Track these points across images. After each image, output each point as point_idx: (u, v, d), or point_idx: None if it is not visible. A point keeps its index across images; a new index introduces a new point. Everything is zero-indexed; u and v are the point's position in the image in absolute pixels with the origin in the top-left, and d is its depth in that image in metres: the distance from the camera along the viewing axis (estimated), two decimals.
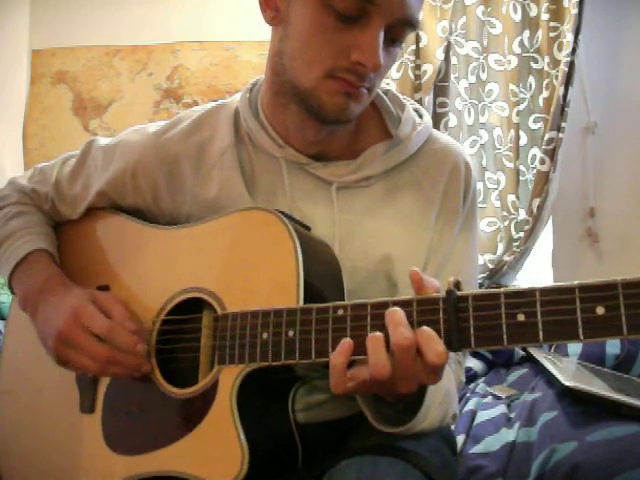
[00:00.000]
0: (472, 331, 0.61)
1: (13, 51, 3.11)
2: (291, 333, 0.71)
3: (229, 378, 0.75)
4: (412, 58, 2.55)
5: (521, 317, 0.59)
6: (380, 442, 0.75)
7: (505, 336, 0.59)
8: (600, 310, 0.55)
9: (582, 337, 0.56)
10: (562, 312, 0.57)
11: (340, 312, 0.68)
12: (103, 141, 1.01)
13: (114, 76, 3.09)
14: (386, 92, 0.96)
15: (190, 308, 0.84)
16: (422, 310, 0.64)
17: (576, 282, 0.57)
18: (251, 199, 0.88)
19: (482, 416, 1.40)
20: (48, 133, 3.09)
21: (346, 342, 0.66)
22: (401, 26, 0.77)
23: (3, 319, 2.47)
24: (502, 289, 0.61)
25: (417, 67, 2.55)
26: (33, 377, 0.95)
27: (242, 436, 0.72)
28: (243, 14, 2.89)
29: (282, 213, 0.79)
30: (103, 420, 0.86)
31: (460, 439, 1.26)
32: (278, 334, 0.72)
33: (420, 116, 0.95)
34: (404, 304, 0.65)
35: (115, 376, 0.84)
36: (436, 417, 0.78)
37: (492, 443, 1.23)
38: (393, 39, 0.79)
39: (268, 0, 0.83)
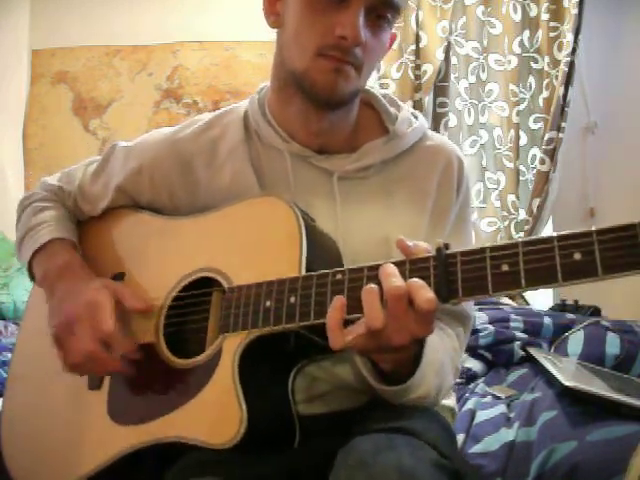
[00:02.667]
0: (460, 283, 0.66)
1: (13, 51, 3.11)
2: (292, 299, 0.75)
3: (232, 345, 0.79)
4: (412, 58, 2.55)
5: (505, 267, 0.64)
6: (391, 425, 0.78)
7: (490, 285, 0.64)
8: (577, 256, 0.60)
9: (561, 280, 0.61)
10: (543, 260, 0.62)
11: (339, 276, 0.73)
12: (124, 143, 1.09)
13: (114, 76, 3.10)
14: (384, 95, 1.03)
15: (201, 288, 0.88)
16: (414, 268, 0.69)
17: (556, 233, 0.63)
18: (260, 190, 0.94)
19: (481, 416, 1.40)
20: (48, 133, 3.09)
21: (339, 299, 0.70)
22: (383, 7, 0.87)
23: (3, 319, 2.47)
24: (488, 244, 0.66)
25: (417, 67, 2.56)
26: (47, 362, 0.97)
27: (241, 398, 0.74)
28: (243, 14, 2.89)
29: (288, 200, 0.84)
30: (109, 395, 0.90)
31: (459, 439, 1.25)
32: (280, 301, 0.76)
33: (415, 118, 1.02)
34: (398, 264, 0.70)
35: (87, 372, 0.89)
36: (431, 386, 0.83)
37: (491, 443, 1.23)
38: (378, 16, 0.88)
39: (270, 6, 0.93)
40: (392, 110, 1.00)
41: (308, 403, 0.90)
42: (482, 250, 0.66)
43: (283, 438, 0.81)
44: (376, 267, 0.71)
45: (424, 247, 0.71)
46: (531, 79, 2.54)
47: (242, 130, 0.99)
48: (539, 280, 0.62)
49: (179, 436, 0.78)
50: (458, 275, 0.66)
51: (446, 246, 0.68)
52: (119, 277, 0.98)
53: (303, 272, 0.77)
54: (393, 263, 0.70)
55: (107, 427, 0.87)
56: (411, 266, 0.69)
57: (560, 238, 0.62)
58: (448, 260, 0.67)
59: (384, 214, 0.94)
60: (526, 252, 0.63)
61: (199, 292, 0.88)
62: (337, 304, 0.70)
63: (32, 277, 1.02)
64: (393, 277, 0.68)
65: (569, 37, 2.36)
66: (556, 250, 0.61)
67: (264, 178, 0.96)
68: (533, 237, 0.64)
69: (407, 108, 1.03)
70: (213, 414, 0.77)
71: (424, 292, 0.66)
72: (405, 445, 0.71)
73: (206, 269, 0.87)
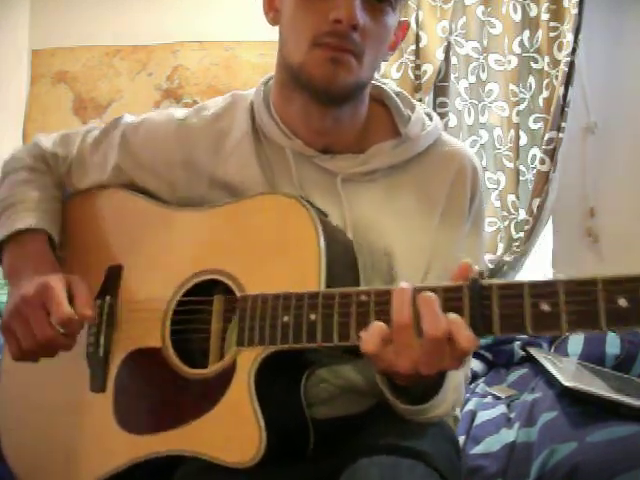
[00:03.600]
0: (496, 319, 0.63)
1: (13, 51, 3.11)
2: (313, 316, 0.71)
3: (247, 360, 0.76)
4: (412, 58, 2.55)
5: (545, 307, 0.60)
6: (397, 442, 0.76)
7: (529, 325, 0.61)
8: (622, 302, 0.57)
9: (604, 328, 0.58)
10: (585, 303, 0.59)
11: (363, 297, 0.69)
12: (129, 118, 1.03)
13: (114, 76, 3.09)
14: (397, 93, 0.97)
15: (209, 290, 0.84)
16: (447, 297, 0.65)
17: (600, 275, 0.59)
18: (269, 187, 0.90)
19: (482, 416, 1.40)
20: (48, 133, 3.09)
21: (379, 326, 0.66)
22: None
23: None
24: (526, 279, 0.63)
25: (417, 67, 2.55)
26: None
27: (260, 418, 0.72)
28: (243, 14, 2.89)
29: (302, 198, 0.81)
30: (114, 400, 0.87)
31: (460, 440, 1.26)
32: (299, 317, 0.72)
33: (430, 119, 0.96)
34: (429, 290, 0.66)
35: (40, 357, 0.85)
36: (450, 403, 0.80)
37: (492, 443, 1.23)
38: None
39: (269, 4, 0.91)
40: (405, 110, 0.94)
41: (316, 407, 0.88)
42: (520, 285, 0.62)
43: (298, 446, 0.80)
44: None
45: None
46: (531, 79, 2.54)
47: (249, 122, 0.95)
48: (581, 325, 0.59)
49: (195, 451, 0.77)
50: (494, 310, 0.63)
51: (481, 275, 0.65)
52: (116, 270, 0.93)
53: (323, 286, 0.74)
54: (424, 290, 0.66)
55: (116, 434, 0.84)
56: (444, 294, 0.66)
57: (605, 281, 0.58)
58: (484, 292, 0.63)
59: (389, 222, 0.89)
60: (568, 292, 0.60)
61: (204, 299, 0.84)
62: (375, 329, 0.66)
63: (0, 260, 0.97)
64: (436, 315, 0.64)
65: (569, 37, 2.36)
66: (599, 294, 0.58)
67: (269, 173, 0.92)
68: (575, 277, 0.61)
69: (421, 108, 0.97)
70: (230, 432, 0.75)
71: (466, 332, 0.63)
72: (412, 475, 0.70)
73: (215, 271, 0.83)
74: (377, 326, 0.66)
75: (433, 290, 0.66)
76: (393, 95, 0.96)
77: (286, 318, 0.73)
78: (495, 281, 0.64)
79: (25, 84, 3.14)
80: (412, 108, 0.95)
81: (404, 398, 0.78)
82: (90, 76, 3.10)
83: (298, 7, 0.84)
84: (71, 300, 0.84)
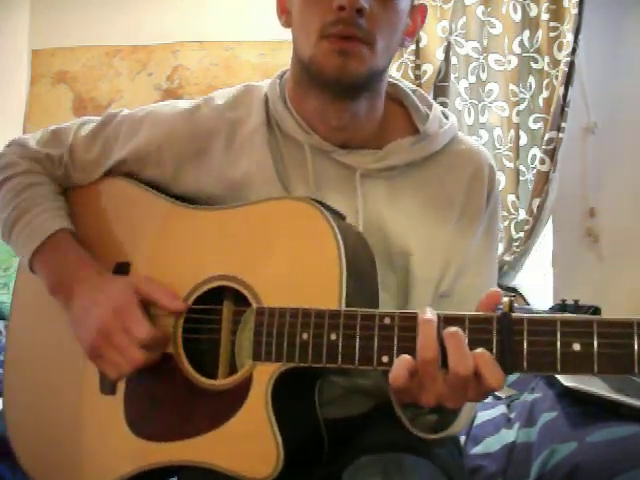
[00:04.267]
0: (525, 355, 0.61)
1: (13, 51, 3.11)
2: (333, 337, 0.70)
3: (264, 375, 0.75)
4: (412, 58, 2.55)
5: (577, 347, 0.59)
6: (400, 440, 0.75)
7: (559, 364, 0.59)
8: None
9: (637, 372, 0.57)
10: (619, 346, 0.57)
11: (387, 321, 0.67)
12: (129, 111, 1.00)
13: (114, 76, 3.09)
14: (414, 91, 0.97)
15: (218, 296, 0.83)
16: (474, 328, 0.63)
17: (635, 317, 0.58)
18: (280, 184, 0.88)
19: (482, 417, 1.40)
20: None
21: (407, 361, 0.64)
22: None
23: (3, 319, 2.47)
24: (558, 315, 0.61)
25: (417, 67, 2.55)
26: (47, 351, 0.94)
27: (278, 434, 0.72)
28: (243, 14, 2.89)
29: (319, 203, 0.78)
30: (125, 404, 0.86)
31: (460, 440, 1.26)
32: (319, 336, 0.71)
33: (446, 117, 0.95)
34: (456, 321, 0.64)
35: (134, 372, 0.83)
36: (464, 422, 0.79)
37: (492, 444, 1.23)
38: None
39: (281, 7, 0.92)
40: (423, 108, 0.93)
41: (320, 407, 0.86)
42: (553, 322, 0.60)
43: (312, 458, 0.80)
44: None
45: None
46: (531, 79, 2.54)
47: (263, 114, 0.92)
48: (613, 368, 0.58)
49: (210, 463, 0.76)
50: (524, 346, 0.60)
51: (511, 307, 0.62)
52: (124, 267, 0.90)
53: (343, 300, 0.72)
54: (451, 321, 0.63)
55: (128, 439, 0.84)
56: (471, 325, 0.63)
57: None
58: (514, 327, 0.61)
59: (406, 220, 0.88)
60: (601, 334, 0.58)
61: (213, 307, 0.83)
62: (403, 364, 0.63)
63: (32, 270, 0.93)
64: (463, 353, 0.61)
65: (569, 37, 2.36)
66: (636, 338, 0.57)
67: (283, 169, 0.90)
68: (609, 318, 0.59)
69: (438, 106, 0.96)
70: (247, 446, 0.75)
71: (494, 370, 0.60)
72: (415, 470, 0.70)
73: (229, 277, 0.80)
74: (404, 360, 0.64)
75: (460, 320, 0.64)
76: (410, 92, 0.95)
77: (305, 336, 0.71)
78: (526, 315, 0.62)
79: (25, 84, 3.15)
80: (429, 106, 0.94)
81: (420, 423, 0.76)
82: (90, 76, 3.10)
83: (304, 2, 0.84)
84: (149, 305, 0.83)
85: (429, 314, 0.64)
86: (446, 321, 0.64)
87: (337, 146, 0.90)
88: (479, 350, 0.61)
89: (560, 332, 0.60)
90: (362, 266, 0.79)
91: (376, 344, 0.67)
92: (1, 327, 2.31)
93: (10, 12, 3.10)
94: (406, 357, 0.64)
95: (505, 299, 0.63)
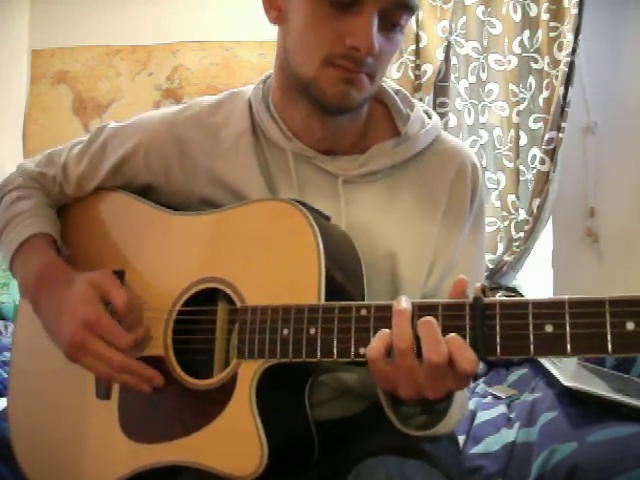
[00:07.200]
0: (498, 339, 0.60)
1: (13, 51, 3.11)
2: (312, 331, 0.71)
3: (248, 372, 0.75)
4: (412, 58, 2.55)
5: (549, 328, 0.58)
6: (402, 444, 0.76)
7: (532, 346, 0.59)
8: (630, 325, 0.55)
9: (611, 351, 0.56)
10: (591, 325, 0.57)
11: (363, 312, 0.68)
12: (115, 124, 1.02)
13: (114, 76, 3.09)
14: (397, 92, 0.97)
15: (208, 297, 0.84)
16: (448, 315, 0.64)
17: (607, 296, 0.57)
18: (266, 187, 0.89)
19: (482, 416, 1.40)
20: (48, 133, 3.09)
21: (385, 333, 0.65)
22: (397, 10, 0.78)
23: (3, 319, 2.47)
24: (531, 298, 0.60)
25: (417, 67, 2.56)
26: (47, 359, 0.95)
27: (261, 431, 0.72)
28: (243, 14, 2.89)
29: (303, 204, 0.79)
30: (119, 407, 0.87)
31: (460, 439, 1.25)
32: (299, 331, 0.72)
33: (429, 117, 0.95)
34: (430, 308, 0.64)
35: (126, 384, 0.83)
36: (455, 421, 0.79)
37: (492, 443, 1.23)
38: (393, 24, 0.80)
39: (270, 2, 0.86)
40: (404, 109, 0.93)
41: (313, 409, 0.87)
42: (524, 305, 0.60)
43: (302, 458, 0.80)
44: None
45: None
46: (531, 79, 2.54)
47: (248, 120, 0.93)
48: (586, 348, 0.57)
49: (196, 462, 0.77)
50: (497, 330, 0.61)
51: (484, 291, 0.63)
52: (120, 275, 0.92)
53: (322, 297, 0.73)
54: (425, 308, 0.64)
55: (122, 442, 0.85)
56: (444, 312, 0.64)
57: (612, 302, 0.56)
58: (486, 312, 0.61)
59: (391, 222, 0.89)
60: (573, 314, 0.58)
61: (207, 308, 0.84)
62: (380, 337, 0.65)
63: (14, 276, 0.96)
64: (436, 340, 0.61)
65: (569, 37, 2.36)
66: (607, 316, 0.56)
67: (268, 174, 0.91)
68: (580, 297, 0.59)
69: (420, 106, 0.96)
70: (232, 445, 0.75)
71: (466, 353, 0.61)
72: (417, 475, 0.70)
73: (215, 279, 0.82)
74: (382, 334, 0.65)
75: (434, 307, 0.64)
76: (392, 94, 0.95)
77: (286, 331, 0.72)
78: (498, 299, 0.62)
79: (25, 84, 3.15)
80: (411, 106, 0.94)
81: (411, 422, 0.76)
82: (90, 76, 3.11)
83: (311, 22, 0.79)
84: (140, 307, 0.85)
85: (404, 304, 0.65)
86: (420, 309, 0.65)
87: (320, 152, 0.90)
88: (450, 335, 0.62)
89: (532, 314, 0.59)
90: (347, 264, 0.80)
91: (353, 336, 0.68)
92: (1, 327, 2.32)
93: (10, 12, 3.10)
94: (385, 331, 0.65)
95: (477, 284, 0.63)
